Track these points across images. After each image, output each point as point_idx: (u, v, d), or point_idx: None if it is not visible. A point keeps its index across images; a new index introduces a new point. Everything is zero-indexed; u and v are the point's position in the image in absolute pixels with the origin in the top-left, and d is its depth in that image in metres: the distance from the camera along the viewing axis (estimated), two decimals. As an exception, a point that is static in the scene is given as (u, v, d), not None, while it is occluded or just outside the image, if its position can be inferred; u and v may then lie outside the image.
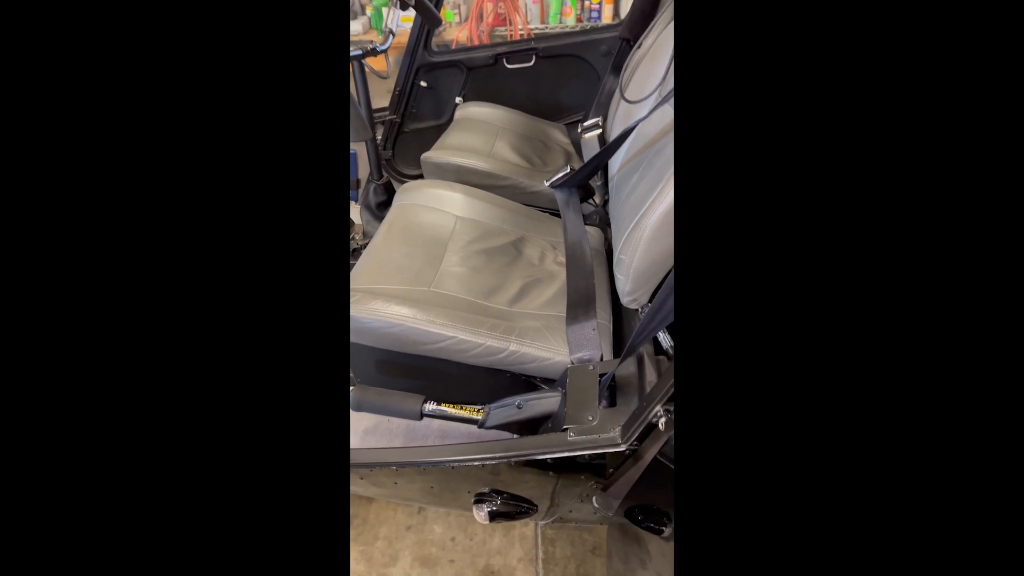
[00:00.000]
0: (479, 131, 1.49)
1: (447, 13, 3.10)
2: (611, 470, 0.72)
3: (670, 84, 0.84)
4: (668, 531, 0.79)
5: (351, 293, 0.84)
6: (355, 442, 1.04)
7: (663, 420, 0.59)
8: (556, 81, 1.71)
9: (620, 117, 1.09)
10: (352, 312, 0.80)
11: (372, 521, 1.43)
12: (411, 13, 1.31)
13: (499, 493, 0.79)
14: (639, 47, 1.12)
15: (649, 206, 0.69)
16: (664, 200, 0.66)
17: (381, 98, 1.78)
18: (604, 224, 1.22)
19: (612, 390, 0.74)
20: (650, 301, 0.77)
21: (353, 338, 0.84)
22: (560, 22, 3.13)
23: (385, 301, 0.82)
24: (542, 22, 3.16)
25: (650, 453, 0.65)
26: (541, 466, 0.74)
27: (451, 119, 1.66)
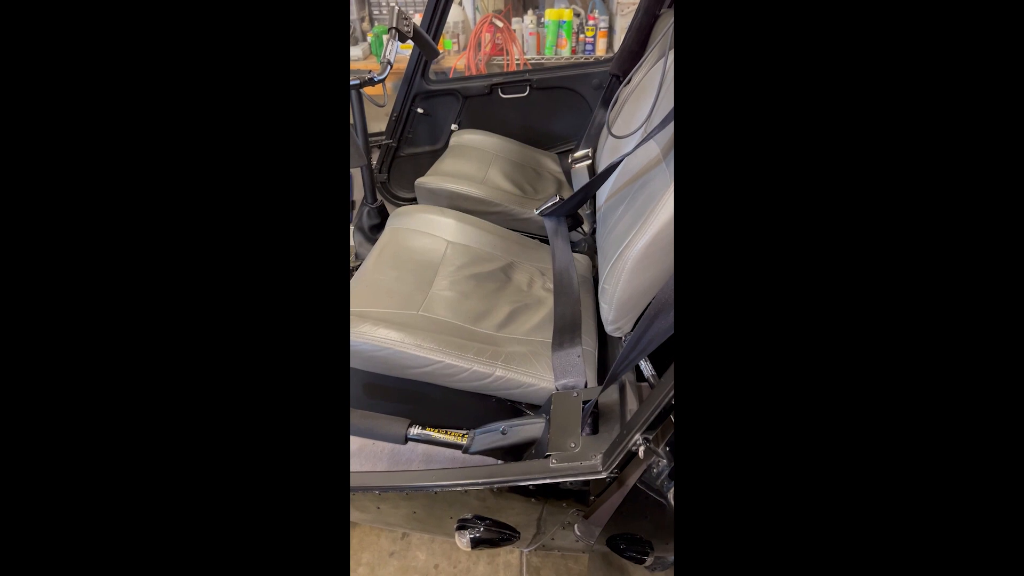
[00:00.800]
0: (473, 158, 1.53)
1: (446, 42, 3.19)
2: (592, 497, 0.72)
3: (655, 121, 0.88)
4: (650, 560, 0.80)
5: None
6: (339, 465, 1.04)
7: (642, 448, 0.60)
8: (549, 111, 1.77)
9: (608, 150, 1.13)
10: None
11: (354, 547, 1.41)
12: (410, 42, 1.36)
13: (482, 520, 0.79)
14: (627, 83, 1.17)
15: (632, 238, 0.71)
16: (646, 232, 0.69)
17: (379, 122, 1.82)
18: (592, 252, 1.25)
19: (595, 417, 0.75)
20: (633, 330, 0.79)
21: (341, 361, 0.85)
22: (556, 53, 3.23)
23: (373, 324, 0.83)
24: (538, 52, 3.25)
25: (630, 481, 0.66)
26: (524, 493, 0.75)
27: (446, 145, 1.70)
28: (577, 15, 3.16)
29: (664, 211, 0.67)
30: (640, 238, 0.69)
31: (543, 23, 3.18)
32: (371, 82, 1.15)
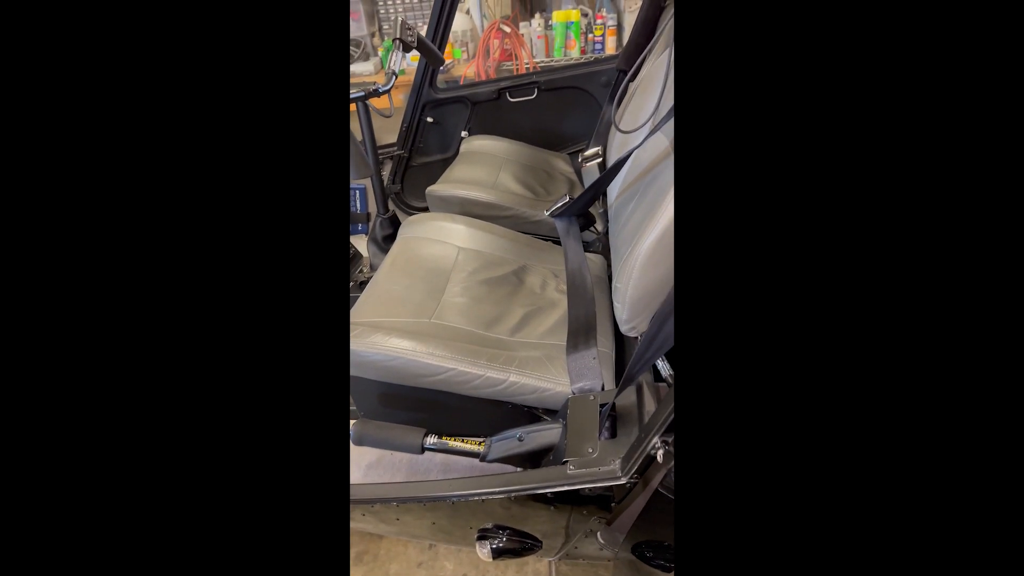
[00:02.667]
0: (483, 163, 1.52)
1: (455, 51, 3.21)
2: (614, 504, 0.70)
3: (662, 112, 0.85)
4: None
5: (352, 327, 0.85)
6: (358, 476, 1.03)
7: (661, 452, 0.57)
8: (558, 112, 1.75)
9: (617, 146, 1.11)
10: (353, 346, 0.81)
11: (383, 557, 1.41)
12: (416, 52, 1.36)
13: (503, 529, 0.78)
14: (634, 77, 1.14)
15: (642, 234, 0.69)
16: (657, 227, 0.66)
17: (391, 134, 1.84)
18: (606, 251, 1.22)
19: (613, 420, 0.72)
20: None
21: (355, 372, 0.85)
22: (565, 55, 3.21)
23: (385, 334, 0.82)
24: (547, 55, 3.24)
25: (652, 485, 0.63)
26: (543, 501, 0.73)
27: (457, 152, 1.70)
28: (585, 15, 3.14)
29: (673, 205, 0.64)
30: (650, 233, 0.67)
31: (551, 25, 3.17)
32: (376, 93, 1.15)
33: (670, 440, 0.57)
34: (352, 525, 0.96)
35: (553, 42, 3.19)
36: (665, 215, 0.65)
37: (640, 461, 0.61)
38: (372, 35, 3.51)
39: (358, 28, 3.34)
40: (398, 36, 1.18)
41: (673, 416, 0.55)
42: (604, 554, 0.84)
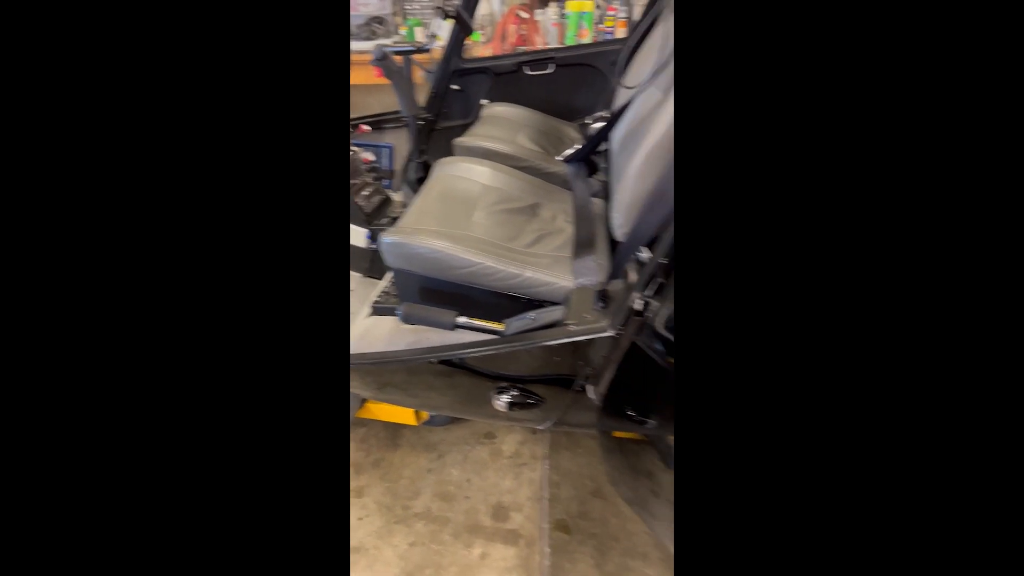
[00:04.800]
0: (503, 126, 1.73)
1: (474, 34, 3.40)
2: (601, 357, 0.91)
3: (663, 71, 1.07)
4: (651, 424, 0.98)
5: (402, 229, 1.06)
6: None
7: (639, 303, 0.79)
8: (571, 86, 1.96)
9: (620, 103, 1.32)
10: (404, 240, 1.03)
11: (397, 464, 1.64)
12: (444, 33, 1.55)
13: (514, 384, 0.99)
14: (639, 49, 1.35)
15: (633, 155, 0.90)
16: (645, 147, 0.88)
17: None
18: (607, 198, 1.44)
19: (606, 302, 0.94)
20: None
21: (402, 264, 1.07)
22: (576, 43, 3.41)
23: (428, 235, 1.04)
24: (560, 42, 3.44)
25: (629, 338, 0.84)
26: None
27: (477, 118, 1.90)
28: (598, 6, 3.34)
29: (661, 124, 0.86)
30: (640, 153, 0.89)
31: (565, 14, 3.37)
32: (421, 50, 1.37)
33: (647, 294, 0.79)
34: (383, 396, 1.17)
35: (567, 30, 3.39)
36: (648, 142, 0.87)
37: (624, 314, 0.82)
38: (394, 14, 3.70)
39: (383, 7, 3.54)
40: (440, 5, 1.39)
41: (649, 276, 0.76)
42: (589, 419, 1.05)
